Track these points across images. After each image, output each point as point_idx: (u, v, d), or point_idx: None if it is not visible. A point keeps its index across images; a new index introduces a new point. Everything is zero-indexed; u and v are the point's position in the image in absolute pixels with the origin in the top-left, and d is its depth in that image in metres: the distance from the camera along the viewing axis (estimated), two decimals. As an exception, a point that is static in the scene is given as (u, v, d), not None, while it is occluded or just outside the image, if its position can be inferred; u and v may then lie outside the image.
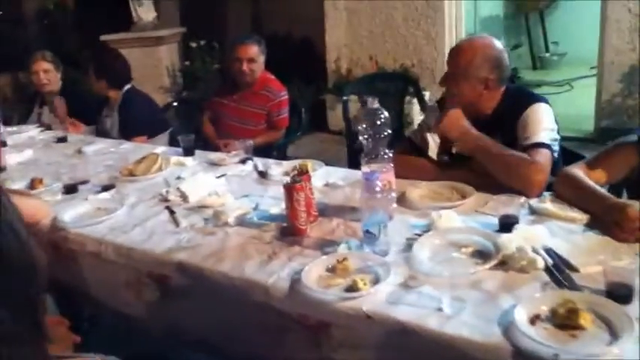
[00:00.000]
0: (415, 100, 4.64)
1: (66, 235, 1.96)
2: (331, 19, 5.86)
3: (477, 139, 1.94)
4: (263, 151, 3.34)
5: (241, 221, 1.88)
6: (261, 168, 2.42)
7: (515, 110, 1.98)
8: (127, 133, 3.37)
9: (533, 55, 7.98)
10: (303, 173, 1.82)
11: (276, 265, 1.59)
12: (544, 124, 1.93)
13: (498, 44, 2.05)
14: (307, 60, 6.07)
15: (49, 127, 3.47)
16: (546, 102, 2.01)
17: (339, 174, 2.29)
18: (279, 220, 1.85)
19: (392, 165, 1.78)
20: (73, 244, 1.94)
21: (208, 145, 3.35)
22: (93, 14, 6.58)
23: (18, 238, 0.84)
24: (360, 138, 1.82)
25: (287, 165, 2.40)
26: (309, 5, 6.45)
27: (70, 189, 2.32)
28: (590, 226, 1.64)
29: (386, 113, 1.79)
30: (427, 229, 1.69)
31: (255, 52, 3.45)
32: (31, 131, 3.31)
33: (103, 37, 6.14)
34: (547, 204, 1.76)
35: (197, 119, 4.24)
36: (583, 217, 1.68)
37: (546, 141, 1.89)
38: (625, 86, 4.61)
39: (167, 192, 2.17)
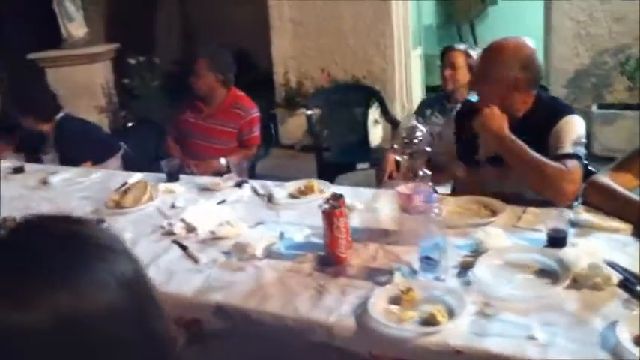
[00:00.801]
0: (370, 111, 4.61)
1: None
2: (276, 30, 5.74)
3: (512, 141, 1.89)
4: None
5: (269, 253, 1.72)
6: (261, 191, 2.27)
7: (549, 120, 1.95)
8: (70, 165, 3.04)
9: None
10: (337, 198, 1.69)
11: (331, 300, 1.46)
12: (577, 136, 1.91)
13: (530, 45, 2.01)
14: (245, 73, 5.91)
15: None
16: (578, 115, 2.00)
17: (350, 194, 2.17)
18: (310, 249, 1.72)
19: (431, 184, 1.70)
20: (74, 291, 1.71)
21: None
22: (13, 31, 6.11)
23: (159, 310, 0.70)
24: (397, 157, 1.73)
25: (290, 187, 2.26)
26: (242, 16, 6.32)
27: (52, 227, 2.06)
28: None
29: (424, 130, 1.70)
30: (476, 248, 1.61)
31: (200, 67, 3.27)
32: (-22, 162, 2.95)
33: (31, 56, 5.70)
34: (584, 215, 1.73)
35: (154, 139, 4.01)
36: (626, 227, 1.66)
37: (578, 153, 1.88)
38: (571, 91, 4.79)
39: (170, 224, 1.98)
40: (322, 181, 2.28)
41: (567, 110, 2.01)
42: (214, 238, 1.87)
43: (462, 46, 3.10)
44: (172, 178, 2.49)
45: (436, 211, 1.50)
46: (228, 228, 1.89)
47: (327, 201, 1.68)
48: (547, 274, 1.46)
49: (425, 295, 1.41)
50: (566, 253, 1.48)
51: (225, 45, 6.13)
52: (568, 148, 1.87)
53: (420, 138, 1.67)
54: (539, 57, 2.08)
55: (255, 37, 5.96)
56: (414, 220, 1.67)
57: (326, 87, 5.14)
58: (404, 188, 1.68)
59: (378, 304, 1.39)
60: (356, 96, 4.38)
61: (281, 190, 2.23)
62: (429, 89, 6.76)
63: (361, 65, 5.50)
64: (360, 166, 3.94)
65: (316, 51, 5.67)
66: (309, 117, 4.21)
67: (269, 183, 2.37)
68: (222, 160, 3.26)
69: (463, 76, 3.02)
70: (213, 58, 3.26)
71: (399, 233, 1.73)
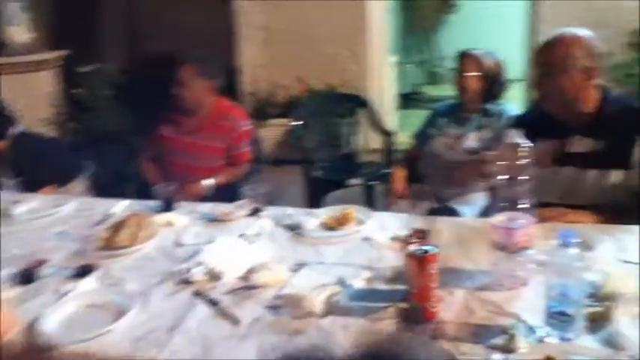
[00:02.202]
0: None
1: (60, 357, 1.28)
2: (245, 37, 5.34)
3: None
4: (223, 193, 2.78)
5: (331, 307, 1.35)
6: (286, 221, 1.88)
7: (630, 122, 1.79)
8: (30, 188, 2.55)
9: (427, 70, 8.09)
10: (420, 234, 1.35)
11: (442, 375, 1.10)
12: None
13: (589, 33, 1.85)
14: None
15: None
16: None
17: (390, 222, 1.83)
18: (383, 300, 1.36)
19: (533, 217, 1.36)
20: (74, 371, 1.28)
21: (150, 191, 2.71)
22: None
23: None
24: (494, 181, 1.39)
25: (322, 215, 1.89)
26: (196, 22, 5.87)
27: (27, 276, 1.61)
28: None
29: (530, 146, 1.37)
30: (596, 294, 1.29)
31: (185, 75, 2.85)
32: None
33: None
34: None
35: (120, 157, 3.57)
36: None
37: None
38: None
39: (186, 270, 1.57)
40: (359, 207, 1.92)
41: None
42: (249, 288, 1.47)
43: (476, 51, 2.81)
44: (169, 206, 2.07)
45: (575, 253, 1.16)
46: (266, 273, 1.49)
47: (410, 239, 1.33)
48: None
49: (570, 365, 1.08)
50: None
51: (172, 52, 5.72)
52: None
53: (527, 158, 1.34)
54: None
55: (213, 44, 5.54)
56: (513, 259, 1.34)
57: (307, 96, 4.78)
58: (502, 220, 1.35)
59: (514, 381, 1.04)
60: (342, 105, 4.04)
61: (311, 220, 1.86)
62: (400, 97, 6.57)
63: (335, 73, 5.18)
64: (351, 182, 3.60)
65: (287, 59, 5.31)
66: (295, 129, 3.84)
67: (290, 210, 1.99)
68: (208, 182, 2.85)
69: (475, 83, 2.73)
70: (201, 63, 2.85)
71: (491, 275, 1.39)
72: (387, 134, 3.75)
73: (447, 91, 7.15)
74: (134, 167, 3.25)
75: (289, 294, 1.39)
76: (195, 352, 1.24)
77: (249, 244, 1.68)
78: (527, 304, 1.29)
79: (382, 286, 1.44)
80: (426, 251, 1.24)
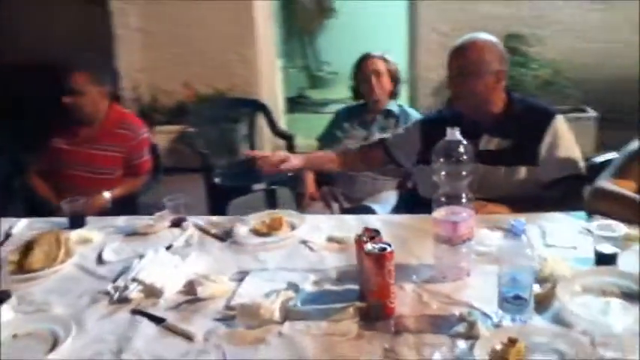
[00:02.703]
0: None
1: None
2: (122, 40, 5.07)
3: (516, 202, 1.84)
4: (122, 205, 2.63)
5: (287, 313, 1.32)
6: (213, 230, 1.81)
7: (535, 122, 1.92)
8: None
9: (309, 75, 8.22)
10: (371, 233, 1.36)
11: (414, 369, 1.12)
12: (574, 145, 1.93)
13: (497, 39, 1.98)
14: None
15: None
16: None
17: (325, 223, 1.83)
18: (339, 301, 1.35)
19: (473, 210, 1.43)
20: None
21: (44, 208, 2.50)
22: None
23: None
24: (434, 178, 1.43)
25: (251, 222, 1.84)
26: (64, 25, 5.48)
27: None
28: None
29: (467, 145, 1.43)
30: (535, 277, 1.38)
31: (80, 82, 2.67)
32: None
33: None
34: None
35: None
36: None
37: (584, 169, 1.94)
38: (437, 99, 4.91)
39: (118, 288, 1.45)
40: (289, 211, 1.90)
41: (551, 110, 1.99)
42: (194, 301, 1.40)
43: (378, 53, 2.90)
44: (80, 222, 1.91)
45: (525, 241, 1.23)
46: (211, 285, 1.43)
47: (362, 238, 1.34)
48: (632, 298, 1.29)
49: (530, 344, 1.14)
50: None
51: (43, 60, 5.29)
52: (581, 165, 1.89)
53: (465, 155, 1.40)
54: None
55: (88, 48, 5.20)
56: (458, 251, 1.40)
57: (197, 102, 4.63)
58: (445, 214, 1.40)
59: (486, 365, 1.09)
60: (237, 110, 3.99)
61: (242, 226, 1.80)
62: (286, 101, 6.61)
63: (223, 77, 5.09)
64: (255, 187, 3.55)
65: (169, 63, 5.12)
66: (184, 135, 3.72)
67: (215, 218, 1.92)
68: (107, 194, 2.67)
69: (387, 83, 2.83)
70: (94, 69, 2.66)
71: (436, 268, 1.44)
72: (286, 137, 3.75)
73: (330, 94, 7.37)
74: (16, 183, 2.97)
75: (243, 303, 1.33)
76: (152, 375, 1.15)
77: (180, 256, 1.59)
78: (476, 293, 1.35)
79: (332, 287, 1.44)
80: (383, 249, 1.26)
